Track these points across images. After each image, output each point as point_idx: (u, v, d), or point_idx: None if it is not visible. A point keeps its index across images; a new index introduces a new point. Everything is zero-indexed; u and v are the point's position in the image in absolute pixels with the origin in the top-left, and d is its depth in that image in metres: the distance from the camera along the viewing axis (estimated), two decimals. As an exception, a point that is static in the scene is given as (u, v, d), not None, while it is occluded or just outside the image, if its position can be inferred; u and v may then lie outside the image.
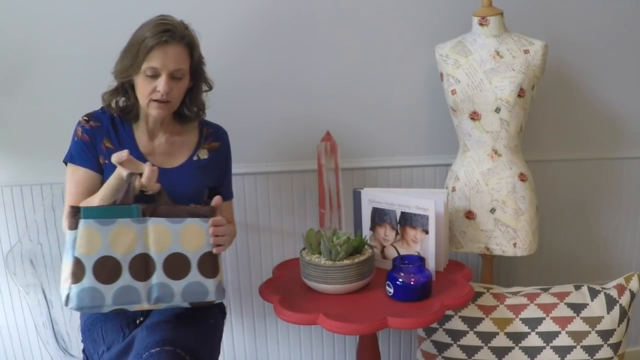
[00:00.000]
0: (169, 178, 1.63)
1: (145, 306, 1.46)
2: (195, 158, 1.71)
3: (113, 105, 1.65)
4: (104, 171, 1.63)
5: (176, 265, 1.48)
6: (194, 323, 1.55)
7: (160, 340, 1.43)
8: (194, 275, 1.50)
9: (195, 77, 1.65)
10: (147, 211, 1.48)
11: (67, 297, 1.42)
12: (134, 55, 1.53)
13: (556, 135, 2.29)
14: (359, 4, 2.10)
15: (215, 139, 1.76)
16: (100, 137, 1.64)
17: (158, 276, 1.46)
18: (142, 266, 1.45)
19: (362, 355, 1.87)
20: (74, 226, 1.43)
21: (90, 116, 1.66)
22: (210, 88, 1.73)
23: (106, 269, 1.42)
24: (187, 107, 1.69)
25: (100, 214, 1.44)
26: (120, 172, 1.49)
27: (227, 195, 1.81)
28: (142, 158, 1.64)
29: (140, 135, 1.67)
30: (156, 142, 1.68)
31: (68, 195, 1.62)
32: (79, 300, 1.41)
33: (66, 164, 1.66)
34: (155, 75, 1.55)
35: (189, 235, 1.50)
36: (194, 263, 1.50)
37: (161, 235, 1.48)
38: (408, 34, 2.14)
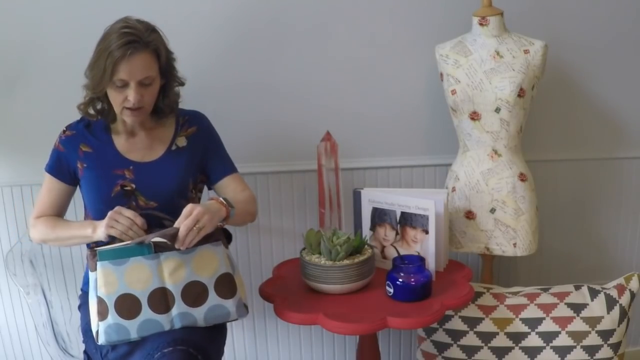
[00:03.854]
0: (151, 171, 1.65)
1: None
2: (174, 147, 1.71)
3: (91, 111, 1.67)
4: (82, 175, 1.66)
5: (194, 293, 1.50)
6: None
7: (172, 340, 1.43)
8: (213, 299, 1.52)
9: (165, 75, 1.65)
10: (158, 247, 1.50)
11: (97, 333, 1.48)
12: (102, 69, 1.53)
13: (556, 135, 2.29)
14: (359, 4, 2.10)
15: (192, 124, 1.76)
16: (77, 143, 1.67)
17: (178, 307, 1.49)
18: (161, 300, 1.48)
19: (362, 355, 1.87)
20: (94, 268, 1.48)
21: (68, 127, 1.71)
22: (182, 84, 1.72)
23: (126, 306, 1.46)
24: (161, 103, 1.69)
25: (114, 254, 1.48)
26: (99, 234, 1.53)
27: (228, 170, 1.78)
28: (120, 157, 1.66)
29: (119, 134, 1.69)
30: (136, 138, 1.70)
31: (39, 201, 1.69)
32: (107, 336, 1.47)
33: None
34: (124, 85, 1.55)
35: (202, 262, 1.52)
36: (211, 287, 1.52)
37: (175, 268, 1.49)
38: (408, 34, 2.14)
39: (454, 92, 1.93)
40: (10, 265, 1.87)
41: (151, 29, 1.58)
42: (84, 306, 1.70)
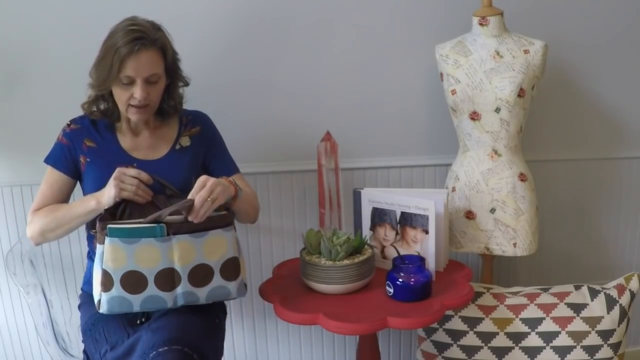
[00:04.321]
0: (155, 170, 1.66)
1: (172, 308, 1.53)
2: (177, 147, 1.73)
3: (94, 110, 1.68)
4: (84, 170, 1.67)
5: (200, 274, 1.52)
6: (200, 322, 1.56)
7: (167, 340, 1.43)
8: (217, 280, 1.54)
9: (170, 74, 1.66)
10: (171, 229, 1.49)
11: (99, 302, 1.49)
12: (108, 66, 1.53)
13: (556, 135, 2.29)
14: (359, 4, 2.10)
15: (195, 124, 1.77)
16: (81, 137, 1.68)
17: (183, 286, 1.50)
18: (167, 279, 1.49)
19: (362, 355, 1.87)
20: (102, 241, 1.47)
21: (73, 121, 1.71)
22: (187, 84, 1.73)
23: (132, 281, 1.47)
24: (166, 103, 1.70)
25: (125, 233, 1.47)
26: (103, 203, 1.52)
27: (230, 170, 1.79)
28: (125, 154, 1.68)
29: (123, 133, 1.70)
30: (140, 137, 1.71)
31: (39, 194, 1.68)
32: (109, 307, 1.48)
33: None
34: (131, 83, 1.56)
35: (212, 246, 1.53)
36: (217, 270, 1.53)
37: (185, 251, 1.50)
38: (408, 34, 2.14)
39: (454, 92, 1.93)
40: (10, 265, 1.87)
41: (157, 27, 1.59)
42: (84, 306, 1.70)
